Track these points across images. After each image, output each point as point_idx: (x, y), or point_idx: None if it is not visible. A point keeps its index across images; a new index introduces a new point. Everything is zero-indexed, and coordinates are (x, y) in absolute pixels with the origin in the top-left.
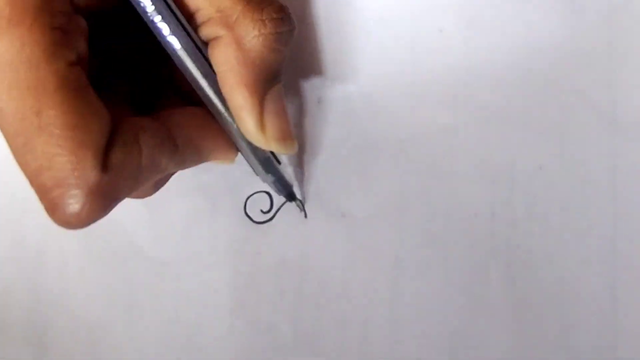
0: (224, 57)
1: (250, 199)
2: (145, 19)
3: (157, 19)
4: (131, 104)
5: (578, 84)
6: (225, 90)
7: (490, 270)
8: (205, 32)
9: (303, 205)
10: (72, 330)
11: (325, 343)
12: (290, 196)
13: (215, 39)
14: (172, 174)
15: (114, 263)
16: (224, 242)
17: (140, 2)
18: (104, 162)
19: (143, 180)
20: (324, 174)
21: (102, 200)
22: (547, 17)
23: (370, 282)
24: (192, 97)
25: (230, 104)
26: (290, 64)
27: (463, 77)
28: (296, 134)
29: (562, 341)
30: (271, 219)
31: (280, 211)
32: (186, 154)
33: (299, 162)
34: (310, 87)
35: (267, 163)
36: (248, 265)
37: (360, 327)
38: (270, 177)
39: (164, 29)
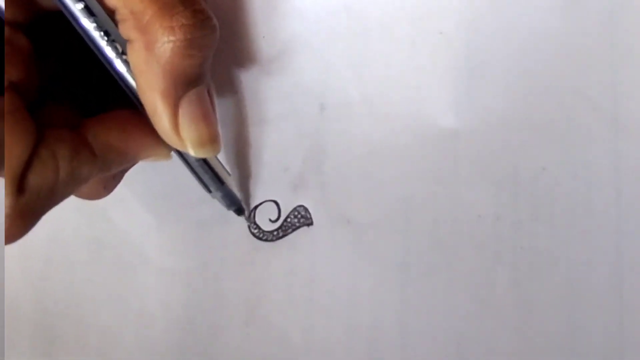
0: (136, 61)
1: (259, 207)
2: (72, 20)
3: (83, 20)
4: (81, 109)
5: (580, 85)
6: (140, 93)
7: (496, 273)
8: (122, 32)
9: (251, 218)
10: (80, 341)
11: (335, 350)
12: (239, 210)
13: (130, 41)
14: (124, 172)
15: (123, 273)
16: (233, 252)
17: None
18: (20, 186)
19: (64, 193)
20: (328, 181)
21: (21, 221)
22: (548, 19)
23: (377, 287)
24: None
25: (145, 107)
26: (291, 72)
27: (464, 80)
28: (298, 141)
29: (569, 343)
30: (278, 238)
31: (287, 220)
32: (108, 159)
33: (241, 187)
34: (312, 94)
35: (214, 179)
36: (258, 274)
37: (368, 332)
38: (218, 193)
39: (90, 29)
